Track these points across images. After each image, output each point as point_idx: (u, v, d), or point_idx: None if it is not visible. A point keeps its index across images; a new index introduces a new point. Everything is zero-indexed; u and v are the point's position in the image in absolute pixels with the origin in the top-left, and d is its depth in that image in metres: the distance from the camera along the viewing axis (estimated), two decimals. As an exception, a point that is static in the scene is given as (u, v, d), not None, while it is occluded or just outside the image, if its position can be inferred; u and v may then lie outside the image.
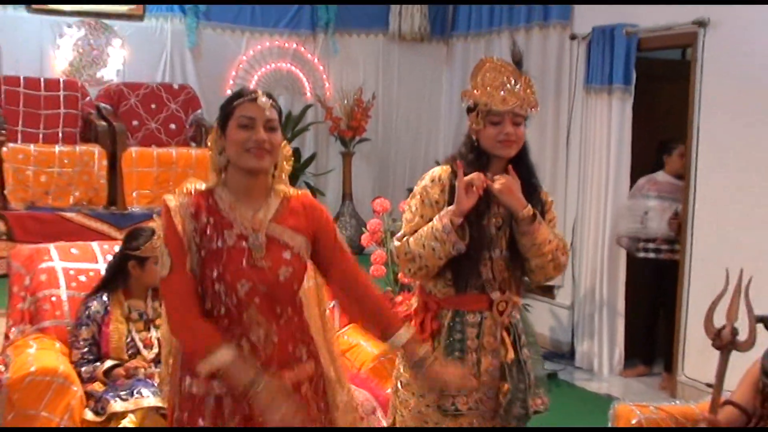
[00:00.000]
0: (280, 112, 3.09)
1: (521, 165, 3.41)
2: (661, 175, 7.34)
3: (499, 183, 3.28)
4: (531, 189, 3.40)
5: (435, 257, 3.28)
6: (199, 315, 2.96)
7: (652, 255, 7.36)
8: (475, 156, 3.38)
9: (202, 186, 3.08)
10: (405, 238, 3.38)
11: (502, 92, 3.32)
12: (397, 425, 3.51)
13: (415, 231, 3.36)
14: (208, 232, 2.99)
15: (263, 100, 3.02)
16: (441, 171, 3.44)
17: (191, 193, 3.04)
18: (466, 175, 3.27)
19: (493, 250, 3.37)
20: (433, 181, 3.42)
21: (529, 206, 3.30)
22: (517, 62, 3.42)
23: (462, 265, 3.33)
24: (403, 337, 3.14)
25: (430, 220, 3.33)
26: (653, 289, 7.46)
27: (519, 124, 3.34)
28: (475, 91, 3.37)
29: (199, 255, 2.98)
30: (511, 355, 3.39)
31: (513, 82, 3.34)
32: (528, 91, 3.36)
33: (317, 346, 3.25)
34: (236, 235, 3.00)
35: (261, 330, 3.02)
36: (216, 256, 2.98)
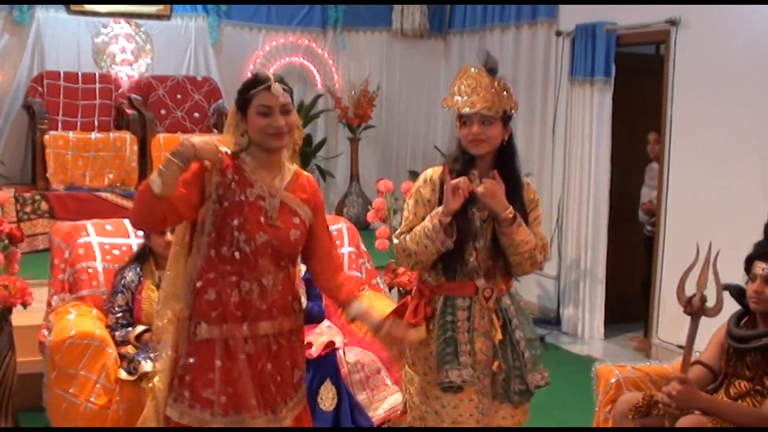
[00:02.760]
0: (291, 94, 3.19)
1: (506, 164, 3.36)
2: (654, 164, 7.35)
3: (482, 187, 3.25)
4: (515, 188, 3.36)
5: (428, 253, 3.28)
6: None
7: (644, 233, 7.47)
8: (461, 154, 3.36)
9: (228, 150, 3.18)
10: (402, 236, 3.38)
11: (471, 97, 3.29)
12: (407, 402, 3.52)
13: (411, 228, 3.36)
14: (232, 186, 3.11)
15: (276, 87, 3.11)
16: (432, 172, 3.44)
17: (225, 153, 3.15)
18: (454, 177, 3.27)
19: (477, 240, 3.34)
20: (425, 181, 3.42)
21: (510, 209, 3.26)
22: (490, 69, 3.35)
23: (450, 255, 3.31)
24: (356, 309, 3.26)
25: (424, 217, 3.33)
26: (646, 263, 7.48)
27: (489, 124, 3.29)
28: (451, 97, 3.37)
29: (220, 206, 3.10)
30: (499, 336, 3.36)
31: (484, 86, 3.30)
32: (504, 93, 3.31)
33: None
34: (256, 195, 3.13)
35: (270, 277, 3.15)
36: (238, 207, 3.10)
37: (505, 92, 3.33)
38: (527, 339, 3.42)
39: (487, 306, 3.36)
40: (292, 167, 3.27)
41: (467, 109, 3.29)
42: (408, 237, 3.34)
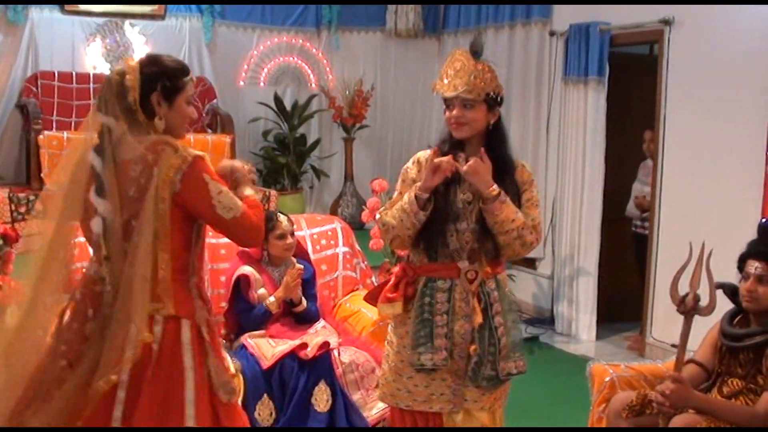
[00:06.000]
0: None
1: (494, 147, 3.37)
2: (649, 161, 7.36)
3: (466, 165, 3.28)
4: (504, 169, 3.38)
5: (403, 227, 3.33)
6: None
7: (633, 230, 7.50)
8: (449, 138, 3.41)
9: None
10: (384, 211, 3.44)
11: (452, 80, 3.32)
12: (379, 379, 3.59)
13: (394, 205, 3.41)
14: None
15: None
16: (422, 154, 3.49)
17: None
18: (444, 156, 3.31)
19: (459, 222, 3.37)
20: (413, 162, 3.49)
21: (495, 187, 3.27)
22: (474, 52, 3.37)
23: (429, 235, 3.37)
24: None
25: None
26: (636, 260, 7.50)
27: (471, 107, 3.32)
28: (438, 81, 3.39)
29: None
30: (479, 320, 3.38)
31: (466, 69, 3.31)
32: (487, 75, 3.33)
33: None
34: None
35: None
36: None
37: (488, 75, 3.34)
38: (507, 326, 3.44)
39: (470, 289, 3.38)
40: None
41: (447, 92, 3.33)
42: (389, 212, 3.40)
